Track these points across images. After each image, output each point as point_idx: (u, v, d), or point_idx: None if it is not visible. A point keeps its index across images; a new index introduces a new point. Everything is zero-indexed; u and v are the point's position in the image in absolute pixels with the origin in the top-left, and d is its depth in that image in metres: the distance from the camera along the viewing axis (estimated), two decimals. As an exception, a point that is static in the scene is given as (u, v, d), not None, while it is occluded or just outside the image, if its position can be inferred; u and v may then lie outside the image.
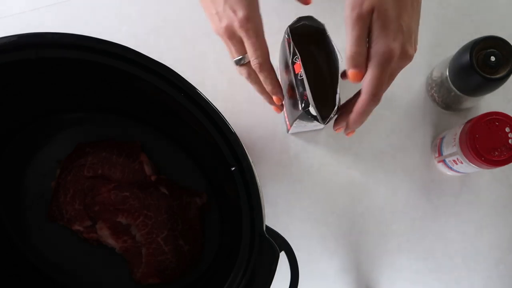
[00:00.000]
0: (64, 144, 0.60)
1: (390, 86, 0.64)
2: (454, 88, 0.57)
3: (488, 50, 0.52)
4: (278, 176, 0.63)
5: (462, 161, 0.56)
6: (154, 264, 0.56)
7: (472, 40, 0.53)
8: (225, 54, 0.65)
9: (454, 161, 0.58)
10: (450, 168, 0.60)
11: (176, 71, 0.47)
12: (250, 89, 0.64)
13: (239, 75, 0.65)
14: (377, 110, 0.63)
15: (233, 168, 0.46)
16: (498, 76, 0.52)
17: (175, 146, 0.60)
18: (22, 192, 0.60)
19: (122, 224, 0.56)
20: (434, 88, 0.61)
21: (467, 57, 0.52)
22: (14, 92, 0.53)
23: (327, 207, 0.62)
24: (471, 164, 0.55)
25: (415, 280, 0.62)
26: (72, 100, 0.59)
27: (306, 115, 0.49)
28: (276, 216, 0.62)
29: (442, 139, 0.60)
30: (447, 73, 0.57)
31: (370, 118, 0.63)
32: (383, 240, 0.62)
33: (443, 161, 0.60)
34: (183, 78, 0.47)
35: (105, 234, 0.56)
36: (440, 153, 0.60)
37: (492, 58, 0.52)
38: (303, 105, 0.48)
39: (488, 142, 0.53)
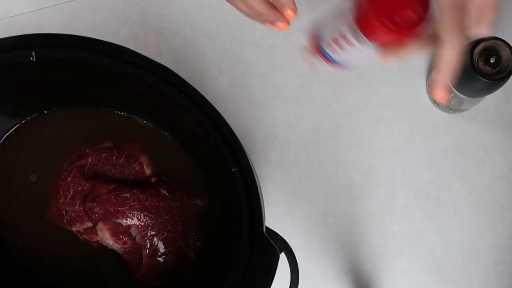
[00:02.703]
0: (63, 144, 0.60)
1: (390, 87, 0.64)
2: (454, 90, 0.57)
3: (488, 51, 0.52)
4: (278, 177, 0.63)
5: (352, 39, 0.39)
6: (154, 265, 0.56)
7: (472, 41, 0.53)
8: (225, 55, 0.65)
9: (338, 44, 0.40)
10: (331, 61, 0.43)
11: (176, 72, 0.47)
12: (250, 89, 0.65)
13: (239, 76, 0.65)
14: (377, 110, 0.64)
15: (233, 169, 0.46)
16: (498, 77, 0.52)
17: (176, 147, 0.60)
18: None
19: (123, 226, 0.56)
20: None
21: (467, 58, 0.52)
22: (11, 89, 0.53)
23: (327, 208, 0.62)
24: (365, 40, 0.38)
25: (415, 280, 0.62)
26: (70, 99, 0.59)
27: None
28: (276, 217, 0.62)
29: (318, 22, 0.44)
30: None
31: (370, 119, 0.64)
32: (383, 241, 0.62)
33: (320, 52, 0.43)
34: (184, 79, 0.47)
35: (105, 235, 0.56)
36: (316, 40, 0.43)
37: (492, 60, 0.52)
38: None
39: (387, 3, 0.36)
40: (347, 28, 0.38)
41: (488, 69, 0.52)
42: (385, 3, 0.36)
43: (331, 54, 0.42)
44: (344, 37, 0.39)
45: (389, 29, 0.36)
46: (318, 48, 0.43)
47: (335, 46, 0.40)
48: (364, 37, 0.38)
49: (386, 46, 0.38)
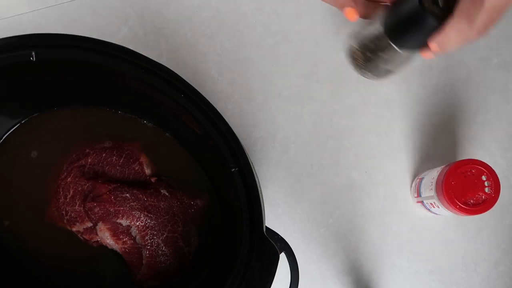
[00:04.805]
0: (63, 144, 0.60)
1: (390, 87, 0.64)
2: (393, 45, 0.46)
3: None
4: (278, 177, 0.63)
5: (439, 205, 0.56)
6: (154, 265, 0.56)
7: None
8: (225, 55, 0.65)
9: (431, 204, 0.58)
10: (429, 210, 0.60)
11: (176, 72, 0.47)
12: (250, 89, 0.65)
13: (239, 76, 0.65)
14: (377, 110, 0.64)
15: (233, 169, 0.46)
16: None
17: (176, 147, 0.60)
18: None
19: (123, 226, 0.56)
20: (362, 57, 0.51)
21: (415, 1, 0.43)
22: (11, 89, 0.53)
23: (327, 208, 0.62)
24: (447, 209, 0.55)
25: (415, 281, 0.62)
26: (70, 99, 0.59)
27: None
28: (276, 217, 0.62)
29: (421, 180, 0.60)
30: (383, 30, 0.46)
31: (370, 119, 0.64)
32: (383, 241, 0.62)
33: (422, 203, 0.60)
34: (184, 79, 0.47)
35: (105, 235, 0.56)
36: (418, 194, 0.60)
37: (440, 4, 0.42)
38: None
39: (463, 189, 0.54)
40: (436, 199, 0.56)
41: (436, 9, 0.43)
42: (457, 196, 0.53)
43: (428, 206, 0.59)
44: (434, 203, 0.57)
45: (461, 211, 0.53)
46: (420, 199, 0.60)
47: (430, 204, 0.58)
48: (447, 209, 0.55)
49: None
